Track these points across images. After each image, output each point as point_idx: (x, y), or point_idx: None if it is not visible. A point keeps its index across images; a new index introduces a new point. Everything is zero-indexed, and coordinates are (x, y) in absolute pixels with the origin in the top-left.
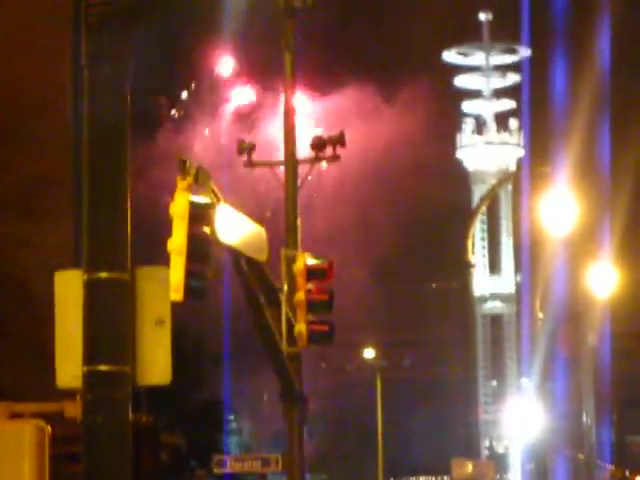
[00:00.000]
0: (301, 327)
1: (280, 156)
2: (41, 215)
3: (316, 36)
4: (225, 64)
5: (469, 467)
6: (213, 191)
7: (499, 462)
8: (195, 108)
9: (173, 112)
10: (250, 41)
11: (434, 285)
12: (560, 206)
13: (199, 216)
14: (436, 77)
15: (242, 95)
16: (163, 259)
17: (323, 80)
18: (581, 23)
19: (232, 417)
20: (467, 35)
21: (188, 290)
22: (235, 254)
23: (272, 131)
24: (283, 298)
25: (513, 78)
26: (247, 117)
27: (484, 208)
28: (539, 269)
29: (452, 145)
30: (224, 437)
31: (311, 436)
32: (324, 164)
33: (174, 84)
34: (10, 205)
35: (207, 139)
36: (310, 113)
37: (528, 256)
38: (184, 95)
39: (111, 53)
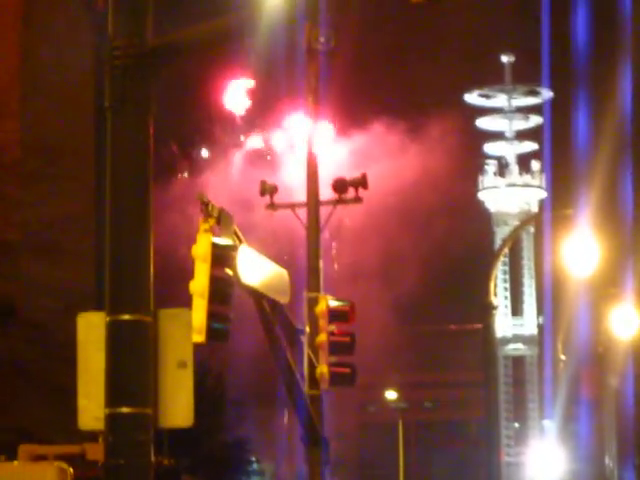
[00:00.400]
0: (323, 369)
1: (301, 196)
2: (63, 256)
3: (339, 77)
4: (241, 104)
5: None
6: (235, 233)
7: None
8: (212, 151)
9: (185, 174)
10: (272, 80)
11: (452, 326)
12: (582, 248)
13: (221, 258)
14: (458, 119)
15: (259, 137)
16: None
17: (346, 121)
18: (602, 66)
19: (254, 458)
20: (489, 77)
21: (210, 332)
22: (257, 296)
23: (294, 171)
24: (305, 340)
25: (535, 120)
26: (265, 158)
27: (506, 250)
28: (561, 311)
29: (474, 187)
30: (246, 479)
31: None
32: (347, 221)
33: (188, 127)
34: (33, 246)
35: (227, 181)
36: (333, 153)
37: (550, 298)
38: (202, 152)
39: (134, 97)
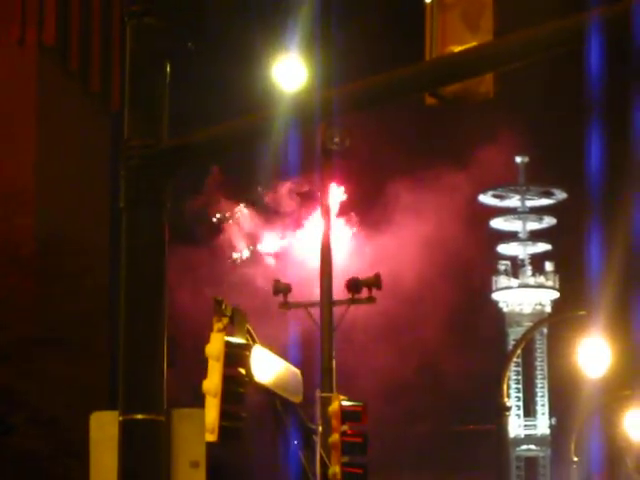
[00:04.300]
0: (335, 469)
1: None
2: (78, 353)
3: (352, 175)
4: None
5: None
6: (249, 332)
7: None
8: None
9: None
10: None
11: (465, 427)
12: (595, 350)
13: (234, 357)
14: (472, 219)
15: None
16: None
17: (360, 218)
18: (616, 182)
19: None
20: (503, 177)
21: (223, 431)
22: (270, 395)
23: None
24: (317, 439)
25: (549, 221)
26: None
27: (519, 350)
28: (574, 412)
29: (488, 287)
30: None
31: None
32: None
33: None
34: (48, 342)
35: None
36: (345, 250)
37: (563, 399)
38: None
39: (149, 197)
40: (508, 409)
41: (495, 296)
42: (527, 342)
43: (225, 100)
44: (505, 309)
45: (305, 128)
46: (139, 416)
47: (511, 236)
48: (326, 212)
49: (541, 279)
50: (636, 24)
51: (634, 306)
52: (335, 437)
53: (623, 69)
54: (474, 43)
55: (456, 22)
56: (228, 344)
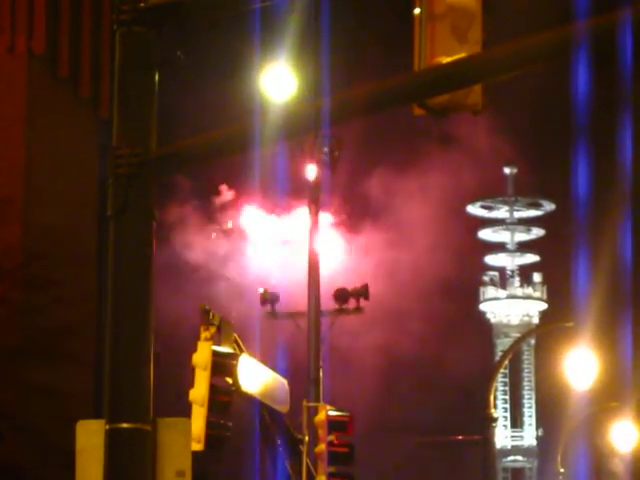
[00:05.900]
0: (322, 479)
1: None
2: (64, 362)
3: (340, 186)
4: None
5: None
6: (236, 341)
7: None
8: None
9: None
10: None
11: (451, 437)
12: (582, 361)
13: (221, 366)
14: (460, 230)
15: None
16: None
17: (346, 227)
18: (603, 195)
19: None
20: (491, 189)
21: (209, 441)
22: (257, 405)
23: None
24: (304, 449)
25: (537, 232)
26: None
27: (506, 361)
28: (561, 423)
29: (475, 298)
30: None
31: None
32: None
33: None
34: (33, 351)
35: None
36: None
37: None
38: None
39: (137, 205)
40: (495, 420)
41: (483, 307)
42: (514, 353)
43: (213, 109)
44: (493, 320)
45: (294, 137)
46: (125, 425)
47: (499, 247)
48: (314, 225)
49: (529, 290)
50: (622, 37)
51: (621, 318)
52: (321, 447)
53: (610, 82)
54: (463, 54)
55: (445, 33)
56: (215, 353)
